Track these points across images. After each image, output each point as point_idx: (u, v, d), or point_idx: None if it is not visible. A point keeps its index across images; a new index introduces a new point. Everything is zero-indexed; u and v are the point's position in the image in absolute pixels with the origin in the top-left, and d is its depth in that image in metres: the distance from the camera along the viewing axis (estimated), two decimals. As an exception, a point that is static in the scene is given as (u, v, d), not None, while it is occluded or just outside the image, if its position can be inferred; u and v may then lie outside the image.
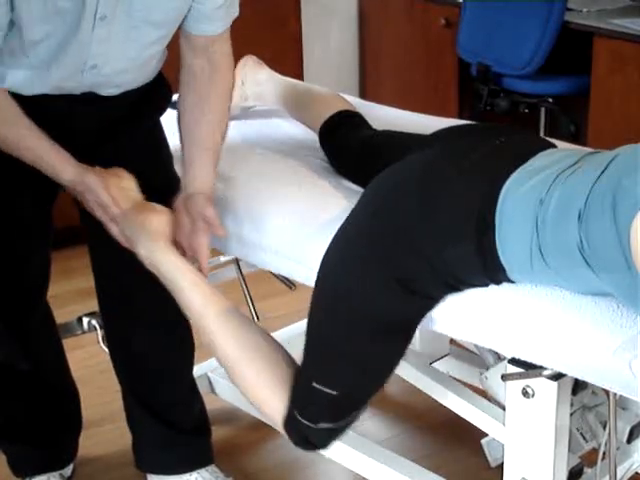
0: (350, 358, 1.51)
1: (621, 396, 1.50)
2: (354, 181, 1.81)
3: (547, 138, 1.66)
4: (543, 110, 3.68)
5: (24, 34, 1.50)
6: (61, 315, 2.10)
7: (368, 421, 2.40)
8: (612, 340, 1.31)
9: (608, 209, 1.23)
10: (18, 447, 2.08)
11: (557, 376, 1.43)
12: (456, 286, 1.45)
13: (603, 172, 1.29)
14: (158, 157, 1.84)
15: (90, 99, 1.69)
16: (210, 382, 2.27)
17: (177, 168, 1.90)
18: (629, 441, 1.73)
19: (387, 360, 1.53)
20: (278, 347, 1.62)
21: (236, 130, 2.16)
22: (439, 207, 1.44)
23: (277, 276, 2.13)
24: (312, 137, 1.98)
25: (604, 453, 1.62)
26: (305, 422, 1.55)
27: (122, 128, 1.78)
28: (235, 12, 1.72)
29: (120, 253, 1.68)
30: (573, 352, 1.35)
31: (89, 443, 2.23)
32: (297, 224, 1.70)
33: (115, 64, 1.62)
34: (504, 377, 1.49)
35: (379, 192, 1.54)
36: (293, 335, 2.13)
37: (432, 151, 1.55)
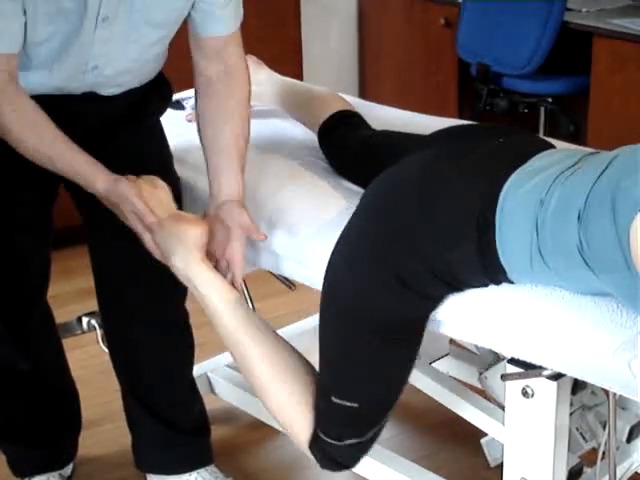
0: (363, 366, 1.50)
1: (621, 396, 1.50)
2: (353, 181, 1.81)
3: (547, 138, 1.66)
4: (543, 110, 3.68)
5: (27, 35, 1.50)
6: (61, 315, 2.10)
7: (368, 421, 2.40)
8: (612, 340, 1.31)
9: (608, 210, 1.23)
10: (18, 447, 2.08)
11: (557, 376, 1.43)
12: (456, 286, 1.45)
13: (603, 173, 1.29)
14: (158, 157, 1.84)
15: (90, 98, 1.69)
16: (210, 382, 2.27)
17: (177, 168, 1.90)
18: (629, 441, 1.74)
19: (399, 364, 1.52)
20: (308, 367, 1.61)
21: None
22: (439, 207, 1.44)
23: (277, 276, 2.13)
24: (312, 137, 1.98)
25: (604, 453, 1.63)
26: (330, 441, 1.54)
27: (122, 127, 1.78)
28: (241, 13, 1.72)
29: (120, 253, 1.68)
30: (573, 352, 1.35)
31: (89, 443, 2.23)
32: (297, 224, 1.70)
33: (116, 65, 1.62)
34: (504, 377, 1.49)
35: (379, 193, 1.54)
36: (293, 335, 2.13)
37: (432, 151, 1.55)
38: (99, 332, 2.16)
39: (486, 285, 1.45)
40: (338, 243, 1.53)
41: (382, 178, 1.56)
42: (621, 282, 1.26)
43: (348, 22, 4.21)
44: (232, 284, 1.64)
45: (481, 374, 1.69)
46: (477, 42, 3.56)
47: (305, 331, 2.31)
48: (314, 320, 1.76)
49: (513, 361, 1.46)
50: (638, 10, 3.46)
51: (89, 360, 2.52)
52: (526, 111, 3.56)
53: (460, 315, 1.47)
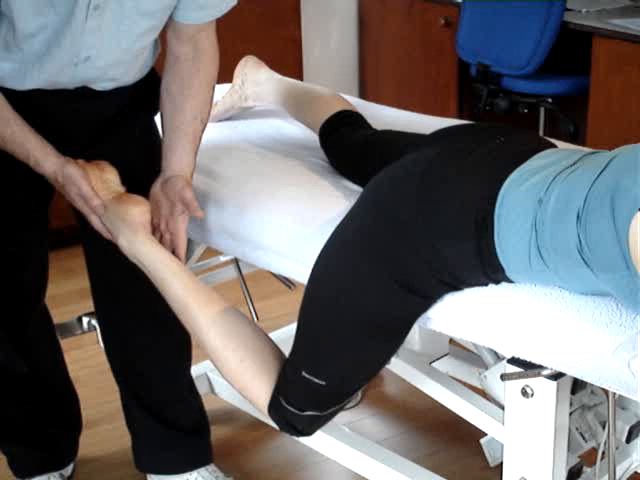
0: (345, 353, 1.52)
1: (620, 396, 1.50)
2: (354, 181, 1.81)
3: (547, 138, 1.66)
4: (542, 110, 3.69)
5: (17, 27, 1.50)
6: (61, 315, 2.10)
7: (368, 421, 2.40)
8: (611, 340, 1.31)
9: (607, 209, 1.23)
10: (18, 448, 2.08)
11: (556, 376, 1.43)
12: (455, 285, 1.46)
13: (602, 172, 1.29)
14: (153, 157, 1.84)
15: (83, 95, 1.68)
16: (210, 382, 2.27)
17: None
18: (628, 441, 1.74)
19: (381, 356, 1.54)
20: (260, 333, 1.64)
21: (236, 130, 2.16)
22: (438, 207, 1.44)
23: (277, 276, 2.13)
24: (312, 137, 1.98)
25: (603, 453, 1.62)
26: (290, 409, 1.57)
27: (116, 128, 1.77)
28: (228, 2, 1.70)
29: (113, 251, 1.69)
30: (572, 352, 1.35)
31: (89, 443, 2.24)
32: (297, 224, 1.70)
33: (108, 55, 1.62)
34: (503, 377, 1.49)
35: (378, 192, 1.55)
36: (293, 335, 2.13)
37: (432, 151, 1.55)
38: (99, 332, 2.17)
39: (485, 284, 1.45)
40: (333, 239, 1.54)
41: (381, 177, 1.56)
42: (620, 282, 1.26)
43: (348, 22, 4.22)
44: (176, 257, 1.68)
45: (481, 374, 1.69)
46: (477, 42, 3.56)
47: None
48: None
49: (513, 361, 1.46)
50: (638, 10, 3.47)
51: (89, 360, 2.52)
52: (526, 111, 3.56)
53: (460, 315, 1.48)
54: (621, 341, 1.30)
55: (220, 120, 2.20)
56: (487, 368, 1.70)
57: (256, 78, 2.18)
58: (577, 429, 1.64)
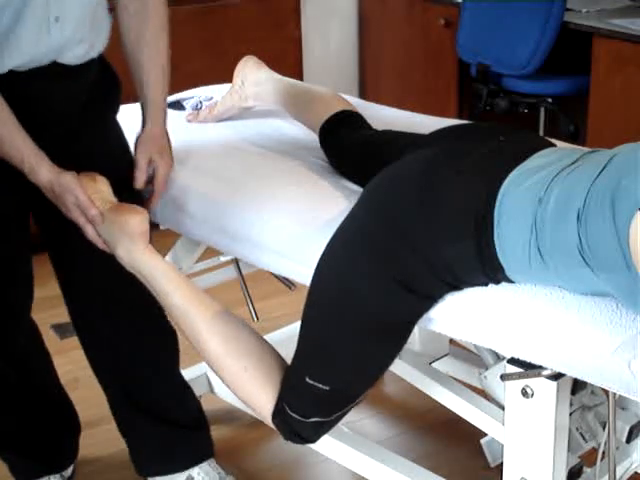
0: (347, 357, 1.52)
1: (620, 396, 1.50)
2: (354, 181, 1.81)
3: (547, 138, 1.66)
4: (542, 110, 3.69)
5: None
6: (61, 315, 2.10)
7: (368, 421, 2.40)
8: (611, 340, 1.31)
9: (607, 209, 1.23)
10: (18, 458, 2.08)
11: (556, 376, 1.43)
12: (455, 285, 1.46)
13: (602, 171, 1.29)
14: (124, 156, 1.84)
15: (57, 73, 1.68)
16: (210, 382, 2.27)
17: (177, 168, 1.90)
18: (628, 441, 1.74)
19: (383, 358, 1.54)
20: (262, 341, 1.64)
21: (236, 130, 2.16)
22: (439, 207, 1.44)
23: (277, 276, 2.13)
24: (312, 137, 1.98)
25: (603, 453, 1.63)
26: (295, 416, 1.56)
27: (85, 128, 1.78)
28: None
29: (86, 254, 1.70)
30: (572, 352, 1.35)
31: (89, 443, 2.24)
32: (297, 224, 1.70)
33: (72, 12, 1.63)
34: (503, 377, 1.49)
35: (378, 192, 1.55)
36: (293, 335, 2.11)
37: (431, 151, 1.55)
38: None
39: (485, 284, 1.45)
40: (334, 240, 1.54)
41: (381, 177, 1.56)
42: (621, 282, 1.26)
43: (348, 22, 4.22)
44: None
45: (481, 374, 1.69)
46: (477, 42, 3.56)
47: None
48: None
49: (513, 361, 1.46)
50: (638, 10, 3.47)
51: (89, 360, 2.51)
52: (526, 111, 3.56)
53: (460, 315, 1.47)
54: (621, 341, 1.30)
55: (220, 120, 2.20)
56: (487, 368, 1.70)
57: (256, 78, 2.18)
58: (577, 429, 1.64)
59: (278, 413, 1.58)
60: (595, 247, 1.26)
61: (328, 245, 1.54)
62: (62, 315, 2.12)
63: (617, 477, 1.63)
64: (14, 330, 1.88)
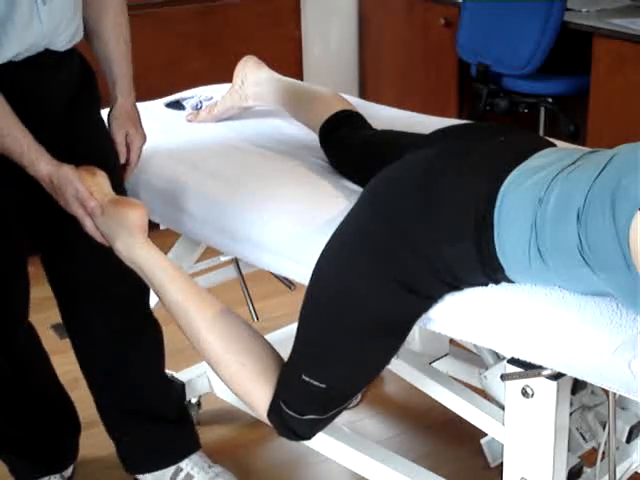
0: (345, 355, 1.52)
1: (620, 396, 1.50)
2: (354, 181, 1.81)
3: (547, 138, 1.66)
4: (543, 110, 3.69)
5: None
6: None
7: (368, 421, 2.40)
8: (612, 340, 1.31)
9: (607, 209, 1.23)
10: (18, 459, 2.08)
11: (556, 376, 1.43)
12: (455, 285, 1.46)
13: (602, 171, 1.29)
14: (111, 153, 1.85)
15: (46, 63, 1.68)
16: (210, 382, 2.27)
17: (177, 168, 1.90)
18: (628, 441, 1.74)
19: (380, 357, 1.54)
20: (259, 338, 1.65)
21: (236, 130, 2.16)
22: (438, 207, 1.44)
23: (277, 276, 2.13)
24: (312, 137, 1.98)
25: (603, 453, 1.63)
26: (291, 413, 1.57)
27: (69, 126, 1.77)
28: None
29: (72, 254, 1.70)
30: (573, 352, 1.35)
31: (89, 443, 2.23)
32: (297, 224, 1.70)
33: None
34: (503, 377, 1.49)
35: (378, 192, 1.55)
36: (293, 335, 2.12)
37: (431, 151, 1.55)
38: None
39: (485, 284, 1.45)
40: (333, 240, 1.54)
41: (381, 177, 1.56)
42: (621, 282, 1.26)
43: (348, 22, 4.22)
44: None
45: (481, 374, 1.69)
46: (477, 42, 3.56)
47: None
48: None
49: (513, 361, 1.46)
50: (638, 10, 3.47)
51: (89, 360, 2.51)
52: (526, 111, 3.56)
53: (460, 315, 1.47)
54: (621, 341, 1.30)
55: (220, 120, 2.20)
56: (487, 368, 1.71)
57: (256, 78, 2.18)
58: (577, 429, 1.64)
59: (274, 410, 1.58)
60: (595, 247, 1.26)
61: (327, 244, 1.54)
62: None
63: (617, 477, 1.63)
64: (14, 330, 1.88)
